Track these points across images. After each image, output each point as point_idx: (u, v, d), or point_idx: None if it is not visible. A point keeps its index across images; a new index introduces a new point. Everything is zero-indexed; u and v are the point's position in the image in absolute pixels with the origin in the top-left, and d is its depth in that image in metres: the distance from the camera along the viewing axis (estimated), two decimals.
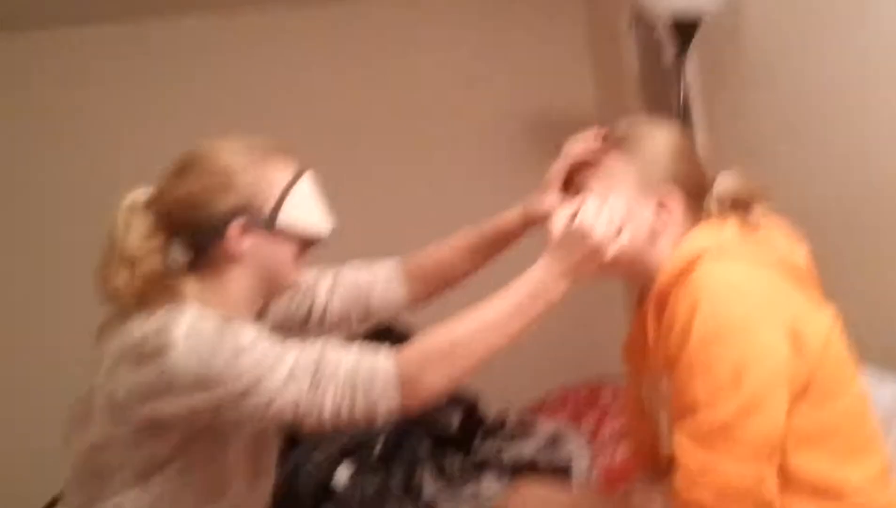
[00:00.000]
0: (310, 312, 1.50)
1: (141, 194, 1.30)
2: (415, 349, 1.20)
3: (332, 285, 1.52)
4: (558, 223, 1.26)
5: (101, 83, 3.09)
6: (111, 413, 1.19)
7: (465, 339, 1.20)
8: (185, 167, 1.28)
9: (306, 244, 1.32)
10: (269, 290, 1.33)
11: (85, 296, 1.35)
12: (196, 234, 1.26)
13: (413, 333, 2.35)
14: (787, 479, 1.15)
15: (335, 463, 2.20)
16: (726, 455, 1.11)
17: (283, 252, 1.30)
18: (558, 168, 1.40)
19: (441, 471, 2.23)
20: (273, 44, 3.22)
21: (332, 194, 1.40)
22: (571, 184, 1.38)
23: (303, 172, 1.33)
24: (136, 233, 1.25)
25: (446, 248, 1.53)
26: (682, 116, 2.22)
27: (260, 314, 1.37)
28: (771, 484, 1.12)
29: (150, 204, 1.28)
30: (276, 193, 1.28)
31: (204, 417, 1.18)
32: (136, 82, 3.11)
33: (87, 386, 1.25)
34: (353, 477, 2.17)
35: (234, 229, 1.25)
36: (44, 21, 2.94)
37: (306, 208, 1.31)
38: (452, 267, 1.53)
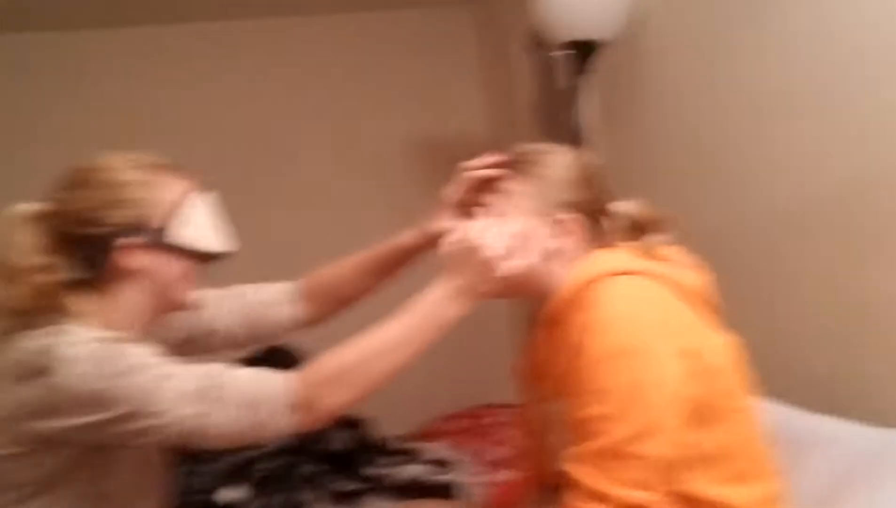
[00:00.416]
0: (201, 330, 1.47)
1: (25, 207, 1.25)
2: (311, 371, 1.19)
3: (224, 305, 1.49)
4: (450, 242, 1.26)
5: None
6: (6, 431, 1.15)
7: (361, 361, 1.20)
8: (75, 182, 1.26)
9: (198, 262, 1.30)
10: (161, 308, 1.31)
11: None
12: (85, 250, 1.23)
13: (305, 353, 2.30)
14: (679, 498, 1.16)
15: (223, 481, 2.15)
16: (623, 474, 1.11)
17: (174, 270, 1.28)
18: (454, 189, 1.40)
19: (329, 491, 2.18)
20: (163, 60, 3.13)
21: (229, 216, 1.37)
22: (468, 206, 1.37)
23: (195, 190, 1.31)
24: (20, 247, 1.21)
25: (340, 268, 1.53)
26: (576, 140, 2.26)
27: (150, 332, 1.32)
28: (664, 503, 1.13)
29: (38, 218, 1.24)
30: (167, 209, 1.26)
31: (93, 436, 1.14)
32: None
33: None
34: (240, 496, 2.11)
35: (123, 245, 1.23)
36: None
37: (198, 226, 1.29)
38: (346, 287, 1.53)
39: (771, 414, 1.39)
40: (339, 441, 2.46)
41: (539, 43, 2.54)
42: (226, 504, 2.10)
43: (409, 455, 2.45)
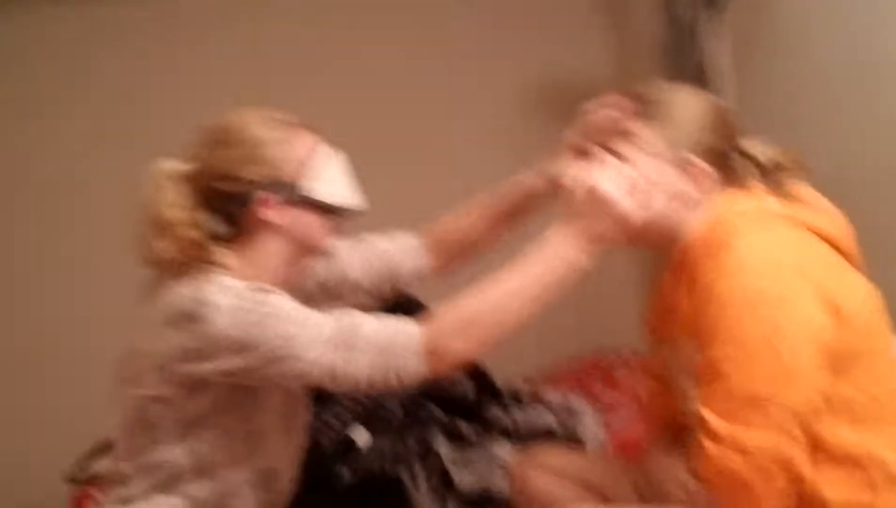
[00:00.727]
0: (334, 279, 1.51)
1: (171, 164, 1.32)
2: (441, 318, 1.22)
3: (354, 255, 1.53)
4: (571, 184, 1.24)
5: (101, 58, 3.05)
6: (156, 373, 1.23)
7: (488, 310, 1.21)
8: (214, 139, 1.31)
9: (333, 215, 1.34)
10: (297, 259, 1.36)
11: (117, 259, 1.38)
12: (226, 205, 1.29)
13: (429, 302, 2.35)
14: (818, 449, 1.14)
15: (355, 423, 2.22)
16: (757, 423, 1.10)
17: (311, 222, 1.32)
18: (577, 132, 1.38)
19: (456, 436, 2.24)
20: (279, 12, 3.17)
21: (353, 165, 1.40)
22: (591, 150, 1.34)
23: (327, 146, 1.35)
24: (170, 200, 1.28)
25: (464, 218, 1.54)
26: (703, 79, 2.18)
27: (292, 283, 1.38)
28: (801, 454, 1.11)
29: (182, 175, 1.30)
30: (299, 165, 1.30)
31: (240, 378, 1.21)
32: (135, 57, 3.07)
33: (125, 345, 1.30)
34: (372, 437, 2.18)
35: (261, 199, 1.28)
36: None
37: (332, 181, 1.33)
38: (472, 237, 1.54)
39: None
40: (462, 388, 2.50)
41: None
42: (363, 445, 2.16)
43: (534, 401, 2.47)
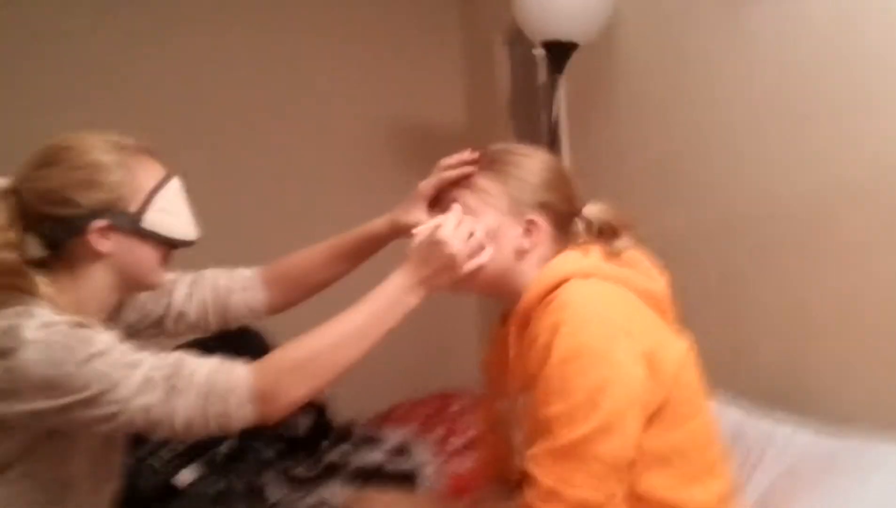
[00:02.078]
0: (166, 313, 1.46)
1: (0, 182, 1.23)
2: (272, 362, 1.19)
3: (190, 288, 1.49)
4: (419, 235, 1.28)
5: None
6: None
7: (322, 351, 1.20)
8: (49, 160, 1.23)
9: (170, 248, 1.30)
10: (128, 290, 1.31)
11: None
12: (55, 229, 1.22)
13: (268, 335, 2.30)
14: (635, 498, 1.19)
15: (181, 463, 2.15)
16: (580, 473, 1.14)
17: (146, 254, 1.28)
18: (430, 183, 1.41)
19: (287, 476, 2.19)
20: (147, 34, 3.06)
21: (201, 196, 1.38)
22: (441, 201, 1.38)
23: (171, 176, 1.31)
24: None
25: (307, 255, 1.53)
26: (552, 137, 2.28)
27: (113, 313, 1.33)
28: (619, 503, 1.16)
29: (7, 194, 1.21)
30: (143, 194, 1.26)
31: (50, 421, 1.13)
32: None
33: None
34: (198, 477, 2.11)
35: (96, 227, 1.22)
36: None
37: (173, 212, 1.29)
38: (313, 274, 1.52)
39: (725, 416, 1.43)
40: (300, 425, 2.47)
41: (519, 39, 2.55)
42: (185, 486, 2.09)
43: (370, 441, 2.46)
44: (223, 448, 2.21)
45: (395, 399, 3.00)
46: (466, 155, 1.37)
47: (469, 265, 1.26)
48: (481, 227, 1.27)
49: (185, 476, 2.10)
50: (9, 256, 1.18)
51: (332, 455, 2.35)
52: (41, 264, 1.23)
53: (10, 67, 2.85)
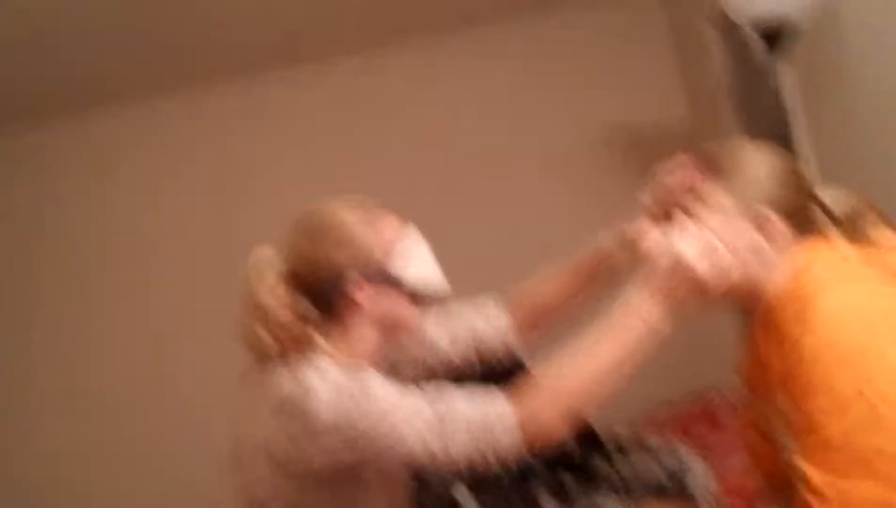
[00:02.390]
0: (430, 357, 1.56)
1: (270, 252, 1.39)
2: (531, 392, 1.24)
3: (448, 332, 1.57)
4: (660, 254, 1.26)
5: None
6: (266, 462, 1.27)
7: (579, 378, 1.24)
8: (305, 227, 1.38)
9: (421, 295, 1.39)
10: (391, 339, 1.41)
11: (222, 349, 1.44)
12: (320, 289, 1.35)
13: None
14: None
15: (456, 481, 2.25)
16: (859, 474, 1.10)
17: (401, 304, 1.37)
18: (650, 195, 1.41)
19: (560, 490, 2.24)
20: (337, 95, 3.30)
21: (428, 233, 1.45)
22: (666, 210, 1.37)
23: (406, 228, 1.40)
24: (269, 287, 1.34)
25: (546, 285, 1.57)
26: (779, 122, 2.18)
27: (383, 361, 1.43)
28: (892, 496, 1.10)
29: (278, 262, 1.37)
30: (391, 247, 1.36)
31: (341, 461, 1.24)
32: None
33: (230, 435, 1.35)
34: (474, 494, 2.21)
35: (354, 281, 1.34)
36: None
37: (419, 263, 1.38)
38: (555, 305, 1.57)
39: None
40: (566, 439, 2.50)
41: (730, 25, 2.47)
42: (466, 501, 2.21)
43: (637, 447, 2.46)
44: (498, 466, 2.29)
45: (652, 400, 2.98)
46: (682, 160, 1.37)
47: (716, 282, 1.22)
48: (717, 237, 1.24)
49: (465, 495, 2.22)
50: (287, 315, 1.32)
51: (602, 466, 2.38)
52: (318, 324, 1.36)
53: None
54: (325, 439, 1.21)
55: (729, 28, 2.50)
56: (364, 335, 1.37)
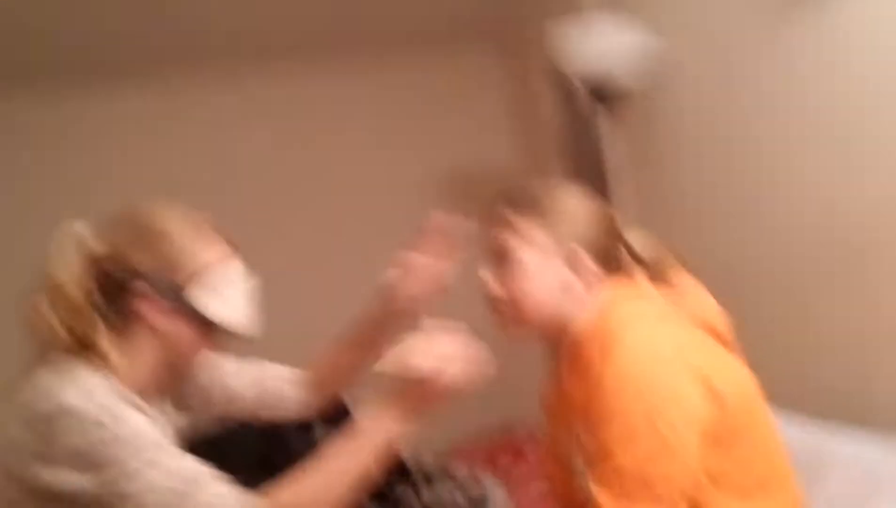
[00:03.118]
0: (220, 392, 1.50)
1: (81, 229, 1.26)
2: (280, 496, 1.20)
3: (250, 375, 1.53)
4: (385, 364, 1.28)
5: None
6: (7, 475, 1.16)
7: (324, 490, 1.22)
8: (129, 218, 1.28)
9: (212, 331, 1.29)
10: (173, 365, 1.31)
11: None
12: (111, 286, 1.24)
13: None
14: None
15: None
16: (644, 499, 1.16)
17: (186, 332, 1.27)
18: (413, 254, 1.46)
19: None
20: (196, 110, 3.20)
21: (260, 298, 1.35)
22: (483, 246, 1.40)
23: (231, 259, 1.31)
24: (66, 262, 1.23)
25: (336, 356, 1.56)
26: (603, 172, 2.30)
27: (165, 386, 1.34)
28: None
29: (86, 243, 1.25)
30: (199, 273, 1.25)
31: (75, 498, 1.14)
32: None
33: None
34: None
35: (140, 290, 1.23)
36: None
37: (224, 297, 1.28)
38: (345, 372, 1.56)
39: (789, 434, 1.43)
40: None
41: (562, 79, 2.59)
42: None
43: (440, 475, 2.47)
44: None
45: (460, 431, 3.02)
46: (447, 220, 1.41)
47: (447, 390, 1.26)
48: (441, 346, 1.27)
49: None
50: (81, 299, 1.21)
51: (407, 494, 2.37)
52: (108, 324, 1.24)
53: None
54: (61, 463, 1.11)
55: (560, 79, 2.62)
56: (144, 352, 1.26)
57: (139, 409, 1.19)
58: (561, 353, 1.37)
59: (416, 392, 1.25)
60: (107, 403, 1.14)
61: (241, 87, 3.22)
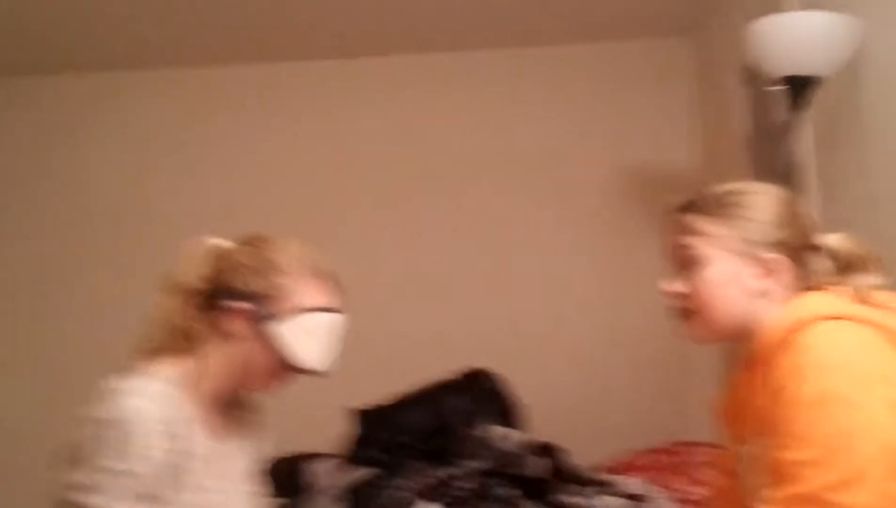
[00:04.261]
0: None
1: (219, 243, 1.40)
2: None
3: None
4: None
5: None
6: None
7: None
8: (248, 242, 1.39)
9: (287, 367, 1.35)
10: (237, 385, 1.38)
11: None
12: (215, 290, 1.35)
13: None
14: None
15: (424, 495, 2.25)
16: None
17: (262, 358, 1.34)
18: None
19: None
20: (345, 94, 3.31)
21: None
22: (671, 257, 1.36)
23: (334, 311, 1.38)
24: (194, 268, 1.36)
25: None
26: (789, 176, 2.18)
27: (223, 405, 1.40)
28: None
29: (214, 255, 1.38)
30: (294, 307, 1.33)
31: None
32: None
33: None
34: None
35: (238, 306, 1.33)
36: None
37: (309, 338, 1.34)
38: None
39: None
40: (535, 467, 2.49)
41: (755, 77, 2.48)
42: None
43: (603, 487, 2.43)
44: (467, 484, 2.29)
45: (628, 447, 2.94)
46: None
47: None
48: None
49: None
50: (190, 307, 1.34)
51: (572, 499, 2.35)
52: (195, 328, 1.35)
53: None
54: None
55: (754, 78, 2.50)
56: (220, 360, 1.34)
57: (192, 427, 1.29)
58: (749, 362, 1.30)
59: None
60: (128, 433, 1.21)
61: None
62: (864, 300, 1.24)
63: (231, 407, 1.43)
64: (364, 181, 3.22)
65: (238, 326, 1.33)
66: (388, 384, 2.72)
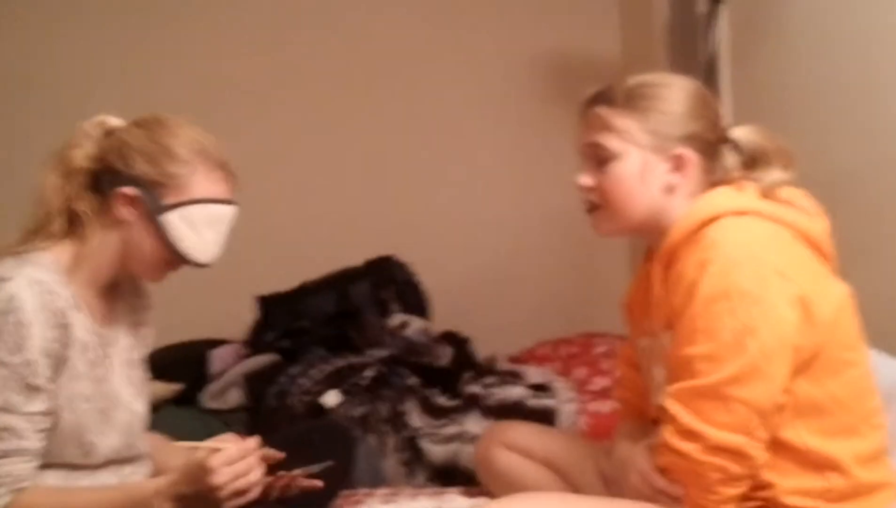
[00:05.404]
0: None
1: (108, 119, 1.32)
2: (32, 499, 1.21)
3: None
4: (186, 462, 1.26)
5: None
6: None
7: None
8: (142, 123, 1.31)
9: (175, 258, 1.31)
10: (123, 270, 1.34)
11: None
12: (108, 177, 1.29)
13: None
14: (777, 446, 1.15)
15: (328, 384, 2.23)
16: (721, 414, 1.11)
17: (148, 246, 1.29)
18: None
19: (427, 405, 2.23)
20: None
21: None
22: (584, 149, 1.32)
23: (226, 203, 1.33)
24: (83, 150, 1.29)
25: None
26: (709, 69, 2.16)
27: (109, 290, 1.36)
28: (759, 449, 1.13)
29: (100, 137, 1.31)
30: (184, 197, 1.28)
31: None
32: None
33: None
34: (344, 400, 2.19)
35: (125, 192, 1.27)
36: None
37: (198, 229, 1.30)
38: None
39: (883, 370, 1.33)
40: (443, 356, 2.51)
41: None
42: (330, 407, 2.17)
43: (511, 377, 2.46)
44: (368, 373, 2.29)
45: (538, 339, 2.99)
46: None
47: (229, 504, 1.22)
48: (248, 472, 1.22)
49: (332, 398, 2.19)
50: (81, 175, 1.28)
51: (473, 388, 2.37)
52: (79, 210, 1.29)
53: None
54: None
55: None
56: (100, 248, 1.29)
57: (81, 312, 1.26)
58: (655, 257, 1.30)
59: (202, 490, 1.20)
60: (24, 316, 1.18)
61: None
62: (769, 196, 1.24)
63: (119, 293, 1.38)
64: (274, 66, 3.05)
65: (125, 211, 1.28)
66: (295, 271, 2.69)
